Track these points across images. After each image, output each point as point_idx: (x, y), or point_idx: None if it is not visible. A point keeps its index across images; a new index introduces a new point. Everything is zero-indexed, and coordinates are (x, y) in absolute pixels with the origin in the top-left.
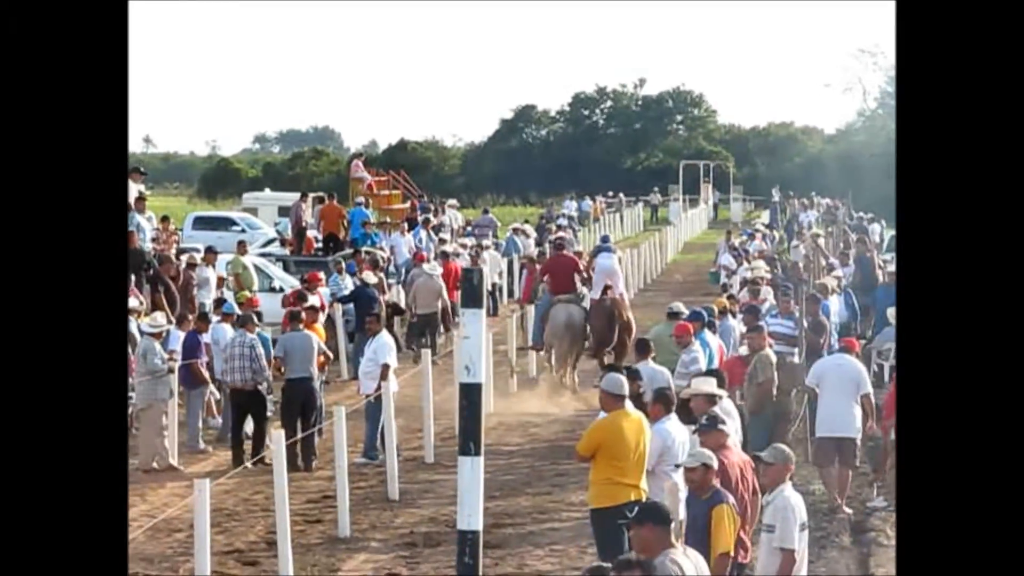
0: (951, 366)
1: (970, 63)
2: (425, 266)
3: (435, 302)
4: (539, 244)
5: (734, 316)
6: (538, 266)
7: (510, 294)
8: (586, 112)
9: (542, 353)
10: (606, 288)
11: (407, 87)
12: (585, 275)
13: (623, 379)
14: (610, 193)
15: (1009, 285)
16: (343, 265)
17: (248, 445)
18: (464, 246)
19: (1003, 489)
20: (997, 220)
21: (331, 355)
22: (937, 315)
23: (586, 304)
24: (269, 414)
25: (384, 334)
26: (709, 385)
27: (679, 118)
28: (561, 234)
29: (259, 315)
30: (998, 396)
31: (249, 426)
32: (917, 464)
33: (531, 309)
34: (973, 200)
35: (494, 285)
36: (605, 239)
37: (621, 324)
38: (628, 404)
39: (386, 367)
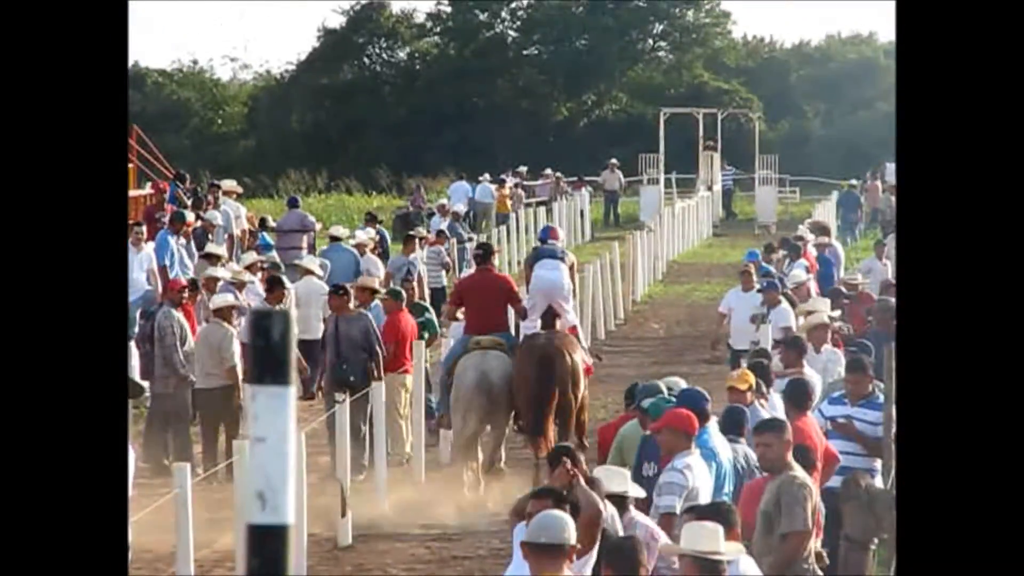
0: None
1: (974, 60)
2: (219, 298)
3: (223, 369)
4: (391, 270)
5: (765, 399)
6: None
7: None
8: (482, 15)
9: (450, 434)
10: (549, 316)
11: None
12: (523, 304)
13: (566, 520)
14: (522, 170)
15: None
16: None
17: None
18: (253, 269)
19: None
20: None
21: None
22: (938, 321)
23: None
24: None
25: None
26: (709, 538)
27: (658, 28)
28: (482, 243)
29: None
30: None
31: None
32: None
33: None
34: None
35: (309, 343)
36: (546, 234)
37: (565, 376)
38: None
39: None
